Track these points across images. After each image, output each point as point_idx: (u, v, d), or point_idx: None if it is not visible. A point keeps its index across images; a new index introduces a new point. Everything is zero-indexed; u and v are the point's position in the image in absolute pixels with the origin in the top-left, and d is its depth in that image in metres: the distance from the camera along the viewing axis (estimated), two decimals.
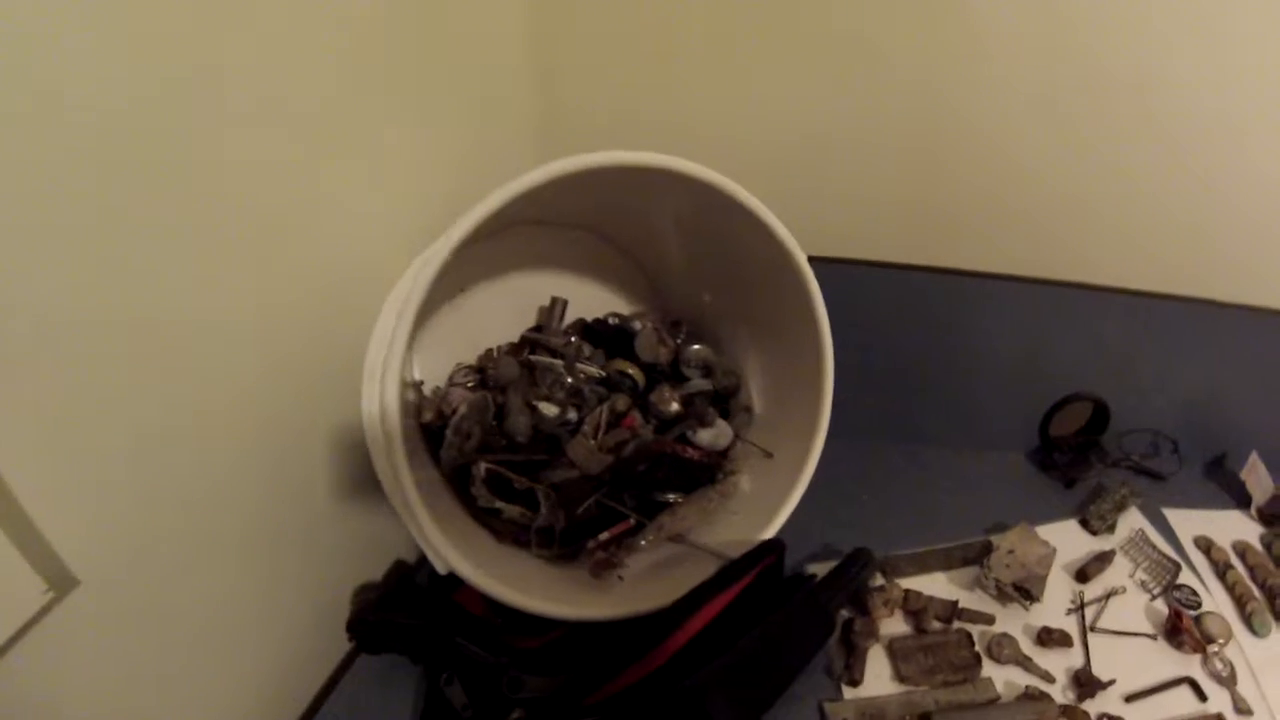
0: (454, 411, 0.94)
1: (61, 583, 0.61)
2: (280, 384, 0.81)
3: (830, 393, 0.99)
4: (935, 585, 1.08)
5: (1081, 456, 1.30)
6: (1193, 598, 1.09)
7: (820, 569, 1.00)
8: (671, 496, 0.96)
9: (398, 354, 0.80)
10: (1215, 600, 1.10)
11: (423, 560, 0.97)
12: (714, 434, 1.01)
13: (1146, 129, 1.14)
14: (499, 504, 0.90)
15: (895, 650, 0.97)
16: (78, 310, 0.59)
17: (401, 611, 0.94)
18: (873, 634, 0.97)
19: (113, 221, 0.60)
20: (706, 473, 0.99)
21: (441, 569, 0.82)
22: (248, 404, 0.77)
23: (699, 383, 1.04)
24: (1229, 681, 0.97)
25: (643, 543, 0.93)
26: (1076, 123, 1.15)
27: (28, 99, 0.52)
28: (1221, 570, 1.14)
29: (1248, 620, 1.06)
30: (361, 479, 0.91)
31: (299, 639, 0.91)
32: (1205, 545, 1.19)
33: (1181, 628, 1.02)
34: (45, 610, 0.60)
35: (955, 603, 1.02)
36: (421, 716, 0.88)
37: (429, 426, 0.96)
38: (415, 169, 0.98)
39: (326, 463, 0.91)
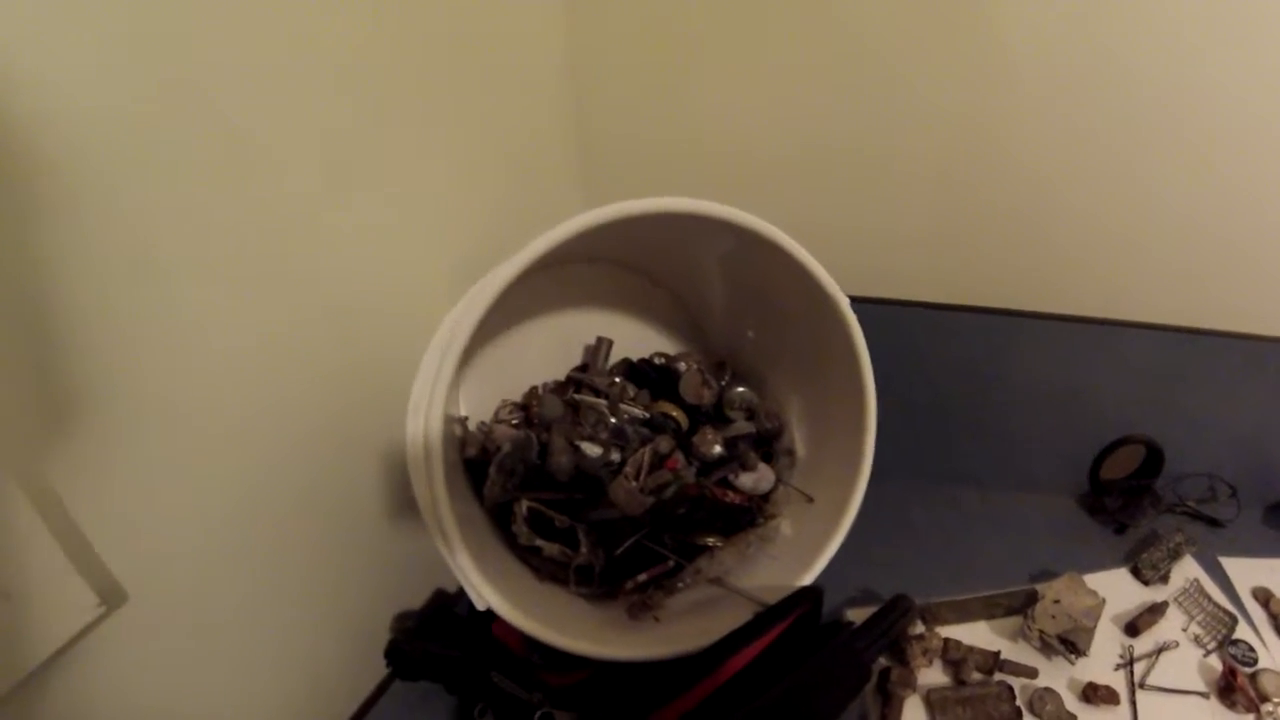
0: (498, 448, 0.95)
1: (112, 597, 0.64)
2: (324, 408, 0.84)
3: (872, 438, 0.98)
4: (976, 634, 1.06)
5: (1134, 501, 1.27)
6: (1249, 654, 1.05)
7: (858, 614, 0.99)
8: (710, 540, 0.96)
9: (444, 384, 0.83)
10: (1273, 656, 1.05)
11: (462, 591, 0.98)
12: (755, 478, 1.01)
13: (1191, 158, 1.12)
14: (539, 542, 0.92)
15: (933, 701, 0.96)
16: (125, 341, 0.62)
17: (439, 641, 0.96)
18: (910, 684, 0.96)
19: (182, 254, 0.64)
20: (746, 516, 0.99)
21: (480, 605, 0.84)
22: (290, 428, 0.80)
23: (742, 425, 1.04)
24: None
25: (680, 585, 0.94)
26: (1117, 154, 1.13)
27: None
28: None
29: None
30: (403, 507, 0.93)
31: (336, 661, 0.94)
32: (1264, 597, 1.14)
33: (1236, 685, 0.98)
34: (95, 624, 0.63)
35: (997, 654, 1.00)
36: None
37: (472, 461, 0.98)
38: (458, 200, 1.01)
39: (368, 489, 0.93)
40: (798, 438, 1.10)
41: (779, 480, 1.03)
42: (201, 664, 0.75)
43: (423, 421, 0.86)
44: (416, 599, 1.05)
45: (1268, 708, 0.97)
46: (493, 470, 0.93)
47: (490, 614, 0.87)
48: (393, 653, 0.95)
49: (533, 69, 1.15)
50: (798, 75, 1.15)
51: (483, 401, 1.05)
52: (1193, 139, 1.10)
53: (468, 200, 1.03)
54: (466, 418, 1.02)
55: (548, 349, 1.09)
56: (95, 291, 0.59)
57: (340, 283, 0.84)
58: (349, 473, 0.91)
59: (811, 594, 0.92)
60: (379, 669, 0.98)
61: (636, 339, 1.13)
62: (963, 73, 1.11)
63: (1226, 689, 0.99)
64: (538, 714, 0.84)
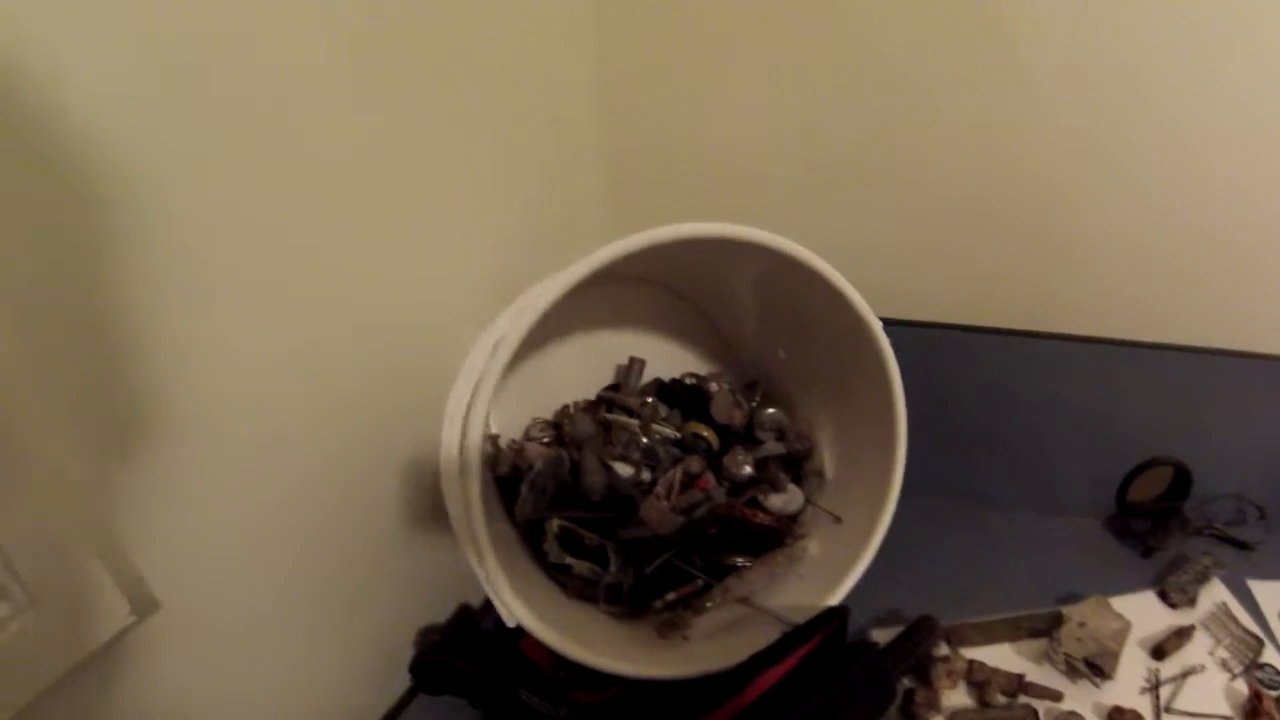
0: (530, 466, 0.97)
1: (144, 607, 0.65)
2: (355, 423, 0.87)
3: (902, 462, 0.99)
4: (1001, 656, 1.06)
5: (1161, 524, 1.26)
6: (1275, 678, 1.04)
7: (882, 634, 1.00)
8: (740, 560, 0.98)
9: (483, 403, 0.85)
10: None
11: (487, 606, 1.01)
12: (785, 499, 1.03)
13: (1218, 177, 1.12)
14: (569, 560, 0.94)
15: None
16: (164, 354, 0.64)
17: (464, 656, 0.98)
18: (934, 705, 0.97)
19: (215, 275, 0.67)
20: (775, 536, 1.01)
21: (509, 621, 0.85)
22: (322, 442, 0.83)
23: (772, 446, 1.06)
24: None
25: (708, 605, 0.95)
26: (1144, 175, 1.13)
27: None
28: None
29: None
30: (430, 521, 0.95)
31: (361, 672, 0.96)
32: None
33: (1261, 709, 0.98)
34: (125, 632, 0.64)
35: (1021, 676, 1.01)
36: None
37: (503, 479, 1.00)
38: (488, 219, 1.03)
39: (397, 503, 0.95)
40: (827, 459, 1.11)
41: (808, 501, 1.05)
42: (229, 672, 0.77)
43: (459, 435, 0.88)
44: (442, 614, 1.07)
45: None
46: (525, 488, 0.95)
47: (516, 630, 0.89)
48: (418, 666, 0.97)
49: (561, 88, 1.17)
50: (826, 95, 1.16)
51: (514, 419, 1.07)
52: (1219, 158, 1.10)
53: (497, 218, 1.05)
54: (498, 435, 1.04)
55: (579, 368, 1.11)
56: (147, 303, 0.62)
57: (372, 299, 0.86)
58: (378, 486, 0.93)
59: (838, 614, 0.94)
60: (403, 681, 1.00)
61: (667, 358, 1.15)
62: (991, 94, 1.11)
63: (1252, 713, 0.98)
64: None
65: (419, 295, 0.93)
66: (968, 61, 1.10)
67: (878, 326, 0.96)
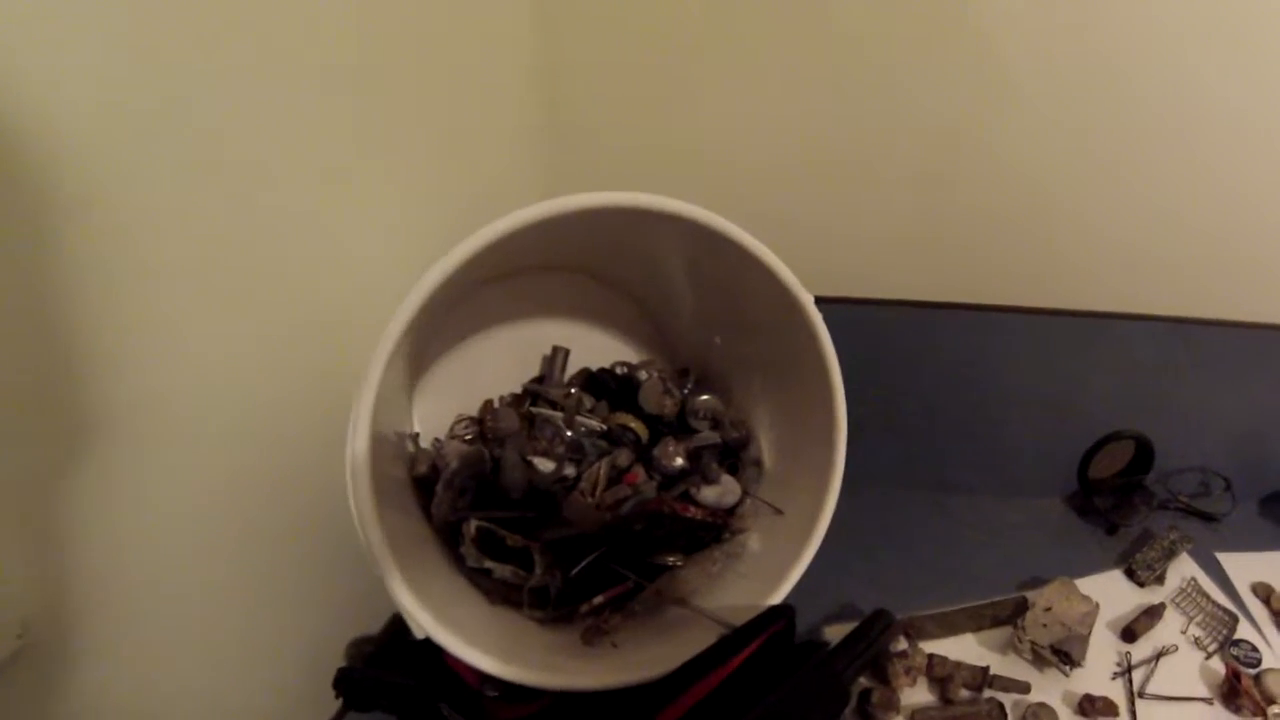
0: (447, 465, 0.90)
1: (35, 627, 0.61)
2: (287, 424, 0.85)
3: (843, 447, 0.93)
4: (964, 648, 1.01)
5: (1124, 499, 1.23)
6: (1252, 654, 1.01)
7: (835, 632, 0.94)
8: (672, 559, 0.91)
9: (368, 403, 0.77)
10: (1277, 655, 1.02)
11: None
12: (720, 491, 0.96)
13: (1174, 148, 1.12)
14: (489, 564, 0.86)
15: None
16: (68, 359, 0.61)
17: (392, 669, 0.91)
18: (893, 706, 0.91)
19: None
20: (711, 532, 0.94)
21: (418, 633, 0.78)
22: (250, 442, 0.80)
23: (706, 435, 0.99)
24: None
25: (638, 608, 0.88)
26: (1101, 145, 1.13)
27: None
28: None
29: None
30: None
31: (291, 686, 0.92)
32: (1265, 593, 1.11)
33: (1240, 689, 0.94)
34: (17, 655, 0.60)
35: (986, 669, 0.95)
36: None
37: (423, 480, 0.93)
38: (426, 209, 1.01)
39: (326, 510, 0.88)
40: (766, 447, 1.04)
41: (746, 493, 0.98)
42: (154, 687, 0.74)
43: (354, 433, 0.80)
44: (376, 624, 1.00)
45: (1275, 709, 0.93)
46: (440, 488, 0.88)
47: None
48: (343, 678, 0.89)
49: (501, 77, 1.16)
50: (779, 77, 1.15)
51: (439, 417, 1.00)
52: (1175, 129, 1.10)
53: (436, 209, 1.03)
54: (418, 434, 0.97)
55: (506, 361, 1.04)
56: (75, 304, 0.60)
57: (305, 297, 0.84)
58: (307, 492, 0.89)
59: (782, 613, 0.87)
60: (334, 700, 0.93)
61: (598, 348, 1.08)
62: (944, 69, 1.11)
63: (1231, 693, 0.95)
64: None
65: (354, 291, 0.91)
66: (924, 42, 1.10)
67: (809, 301, 0.89)
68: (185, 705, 0.79)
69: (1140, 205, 1.16)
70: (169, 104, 0.65)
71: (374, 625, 0.98)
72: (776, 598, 0.89)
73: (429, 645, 0.89)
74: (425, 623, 0.76)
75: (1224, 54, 1.05)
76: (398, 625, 0.99)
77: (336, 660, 0.94)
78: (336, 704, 0.93)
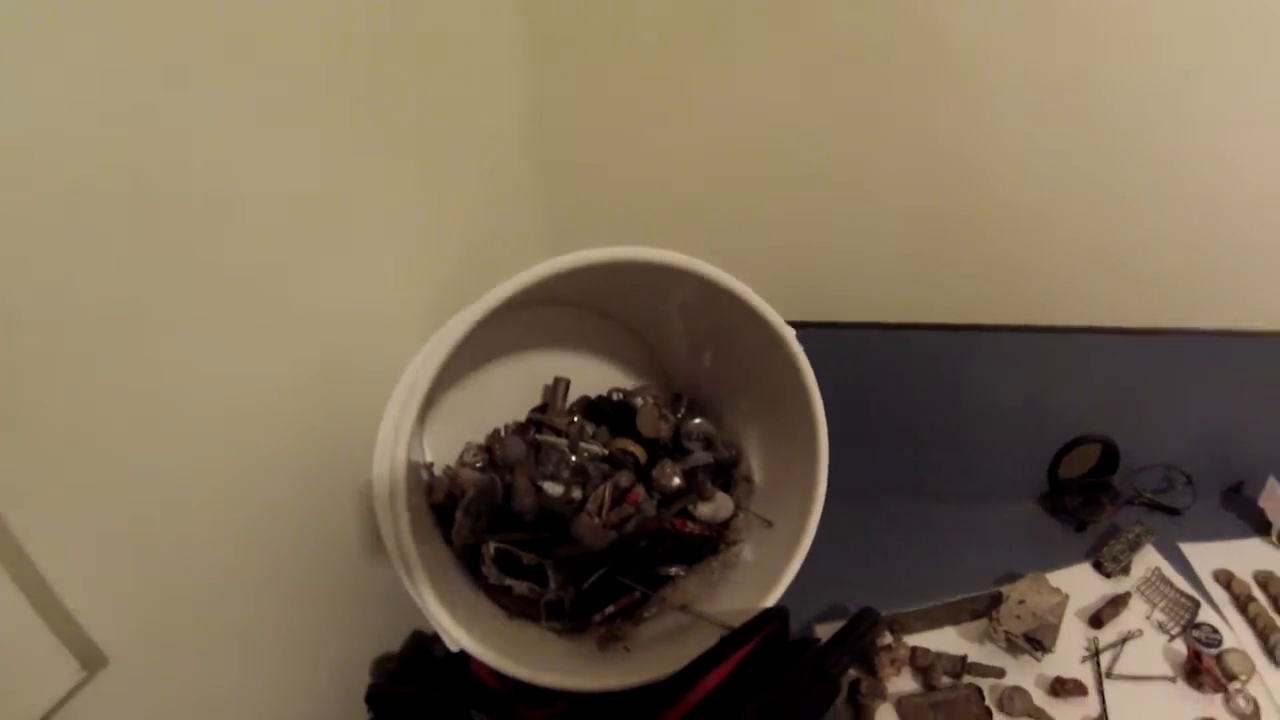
0: (463, 493, 0.98)
1: (92, 662, 0.63)
2: (297, 461, 0.85)
3: (825, 463, 1.01)
4: (944, 640, 1.08)
5: (1092, 498, 1.30)
6: (1213, 635, 1.08)
7: (826, 630, 1.01)
8: (674, 570, 0.99)
9: (405, 436, 0.85)
10: (1237, 635, 1.09)
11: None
12: (714, 507, 1.04)
13: (1139, 163, 1.17)
14: (508, 581, 0.94)
15: (903, 709, 0.98)
16: (99, 400, 0.62)
17: (418, 683, 0.98)
18: (880, 694, 0.99)
19: (133, 320, 0.64)
20: (708, 545, 1.02)
21: (452, 647, 0.86)
22: (265, 481, 0.81)
23: (700, 456, 1.07)
24: (1252, 719, 0.97)
25: (647, 615, 0.96)
26: (1068, 166, 1.18)
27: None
28: (1243, 603, 1.14)
29: (1271, 653, 1.06)
30: (378, 553, 0.93)
31: (317, 712, 0.94)
32: (1225, 579, 1.18)
33: (1202, 668, 1.01)
34: (78, 689, 0.62)
35: (964, 658, 1.03)
36: None
37: (440, 507, 1.00)
38: (426, 249, 1.03)
39: (346, 538, 0.94)
40: (755, 465, 1.12)
41: (738, 507, 1.06)
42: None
43: (388, 468, 0.88)
44: (396, 642, 1.06)
45: (1235, 685, 1.00)
46: (459, 514, 0.95)
47: (465, 654, 0.90)
48: (373, 698, 0.97)
49: (495, 118, 1.18)
50: (757, 109, 1.19)
51: (448, 445, 1.07)
52: (1134, 149, 1.15)
53: (435, 248, 1.05)
54: (432, 463, 1.04)
55: (510, 391, 1.11)
56: (80, 343, 0.60)
57: (312, 334, 0.86)
58: (327, 523, 0.92)
59: (776, 615, 0.95)
60: (361, 716, 0.98)
61: (595, 375, 1.16)
62: (921, 101, 1.15)
63: (1193, 671, 1.02)
64: None
65: (359, 329, 0.93)
66: (904, 70, 1.13)
67: (791, 335, 0.98)
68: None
69: (1101, 226, 1.21)
70: (170, 138, 0.65)
71: (387, 643, 1.04)
72: (770, 601, 0.97)
73: (451, 659, 0.97)
74: (460, 637, 0.83)
75: (1194, 72, 1.09)
76: (417, 643, 1.07)
77: (359, 678, 0.99)
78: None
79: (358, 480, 0.94)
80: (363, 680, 1.01)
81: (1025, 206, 1.21)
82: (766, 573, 0.99)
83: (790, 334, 0.97)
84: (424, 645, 1.06)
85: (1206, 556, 1.23)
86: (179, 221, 0.67)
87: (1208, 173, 1.17)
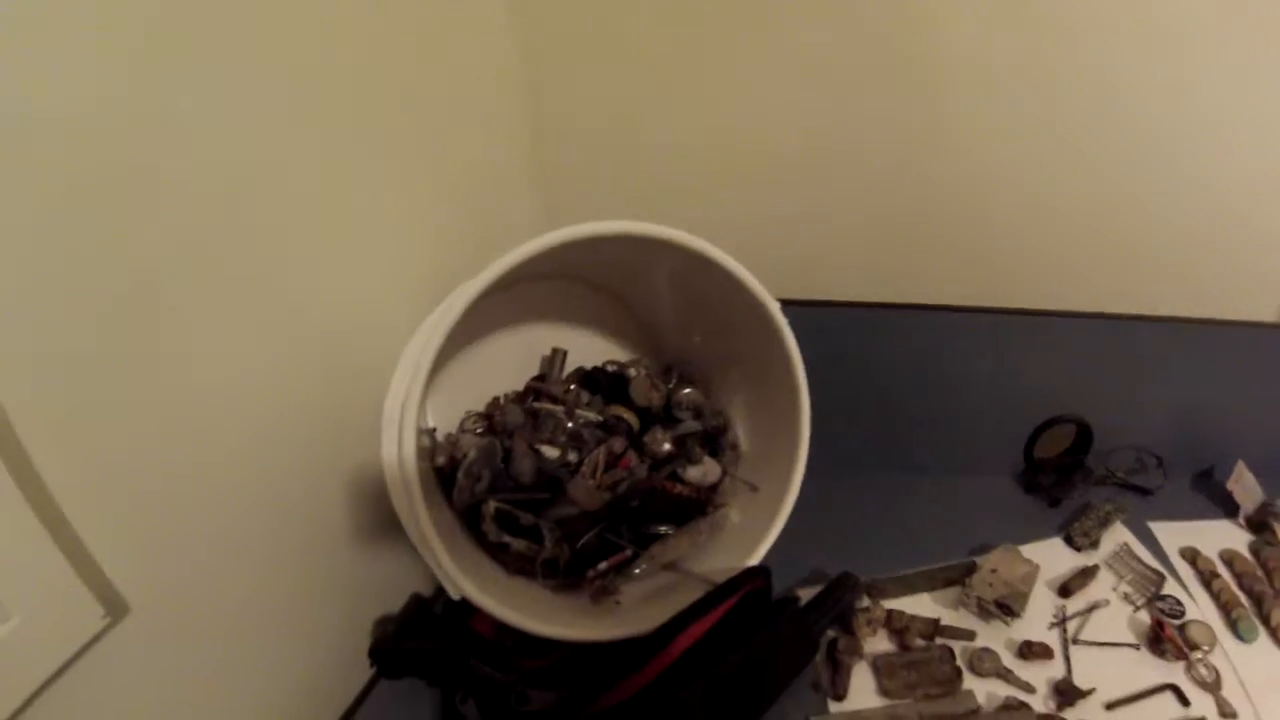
0: (464, 455, 1.03)
1: (116, 609, 0.67)
2: (303, 431, 0.89)
3: (807, 430, 1.06)
4: (919, 605, 1.13)
5: (1066, 477, 1.35)
6: (1176, 607, 1.13)
7: (807, 594, 1.06)
8: (664, 529, 1.04)
9: (414, 402, 0.90)
10: (1201, 609, 1.13)
11: (439, 592, 1.05)
12: (702, 471, 1.09)
13: (1115, 153, 1.20)
14: (507, 539, 0.99)
15: (879, 666, 1.03)
16: (121, 373, 0.66)
17: (419, 638, 1.03)
18: (857, 652, 1.04)
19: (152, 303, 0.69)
20: (696, 506, 1.07)
21: (455, 595, 0.90)
22: (272, 450, 0.85)
23: (690, 424, 1.12)
24: (1213, 687, 1.01)
25: (637, 571, 1.01)
26: (1045, 156, 1.21)
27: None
28: (1207, 579, 1.18)
29: (1233, 626, 1.10)
30: (380, 517, 0.98)
31: (323, 667, 0.98)
32: (1191, 556, 1.23)
33: (1164, 636, 1.06)
34: (103, 633, 0.66)
35: (937, 620, 1.08)
36: None
37: (442, 470, 1.05)
38: (420, 224, 1.07)
39: (346, 503, 0.98)
40: (742, 433, 1.18)
41: (725, 472, 1.11)
42: (196, 677, 0.79)
43: (397, 432, 0.93)
44: (396, 603, 1.11)
45: (1197, 655, 1.04)
46: (460, 475, 1.00)
47: (466, 608, 0.95)
48: (376, 652, 1.01)
49: (487, 96, 1.21)
50: (744, 97, 1.23)
51: (449, 413, 1.12)
52: (1112, 140, 1.19)
53: (429, 223, 1.09)
54: (435, 429, 1.09)
55: (507, 362, 1.16)
56: (105, 312, 0.65)
57: (315, 315, 0.90)
58: (332, 487, 0.96)
59: (759, 572, 1.00)
60: (364, 671, 1.03)
61: (590, 348, 1.21)
62: (905, 84, 1.18)
63: (1155, 640, 1.06)
64: (512, 693, 0.90)
65: (358, 304, 0.97)
66: (882, 52, 1.17)
67: (775, 308, 1.03)
68: (234, 686, 0.84)
69: (1082, 213, 1.25)
70: (176, 123, 0.68)
71: (388, 606, 1.09)
72: (754, 560, 1.02)
73: (450, 615, 1.02)
74: (463, 585, 0.88)
75: (1167, 55, 1.11)
76: (416, 603, 1.12)
77: (360, 639, 1.04)
78: (363, 678, 1.04)
79: (359, 445, 0.98)
80: (363, 640, 1.05)
81: (1006, 193, 1.26)
82: (751, 535, 1.05)
83: (774, 305, 1.02)
84: (424, 604, 1.11)
85: (1174, 535, 1.27)
86: (192, 209, 0.71)
87: (1188, 165, 1.21)
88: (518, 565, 1.02)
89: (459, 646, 0.99)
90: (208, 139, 0.72)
